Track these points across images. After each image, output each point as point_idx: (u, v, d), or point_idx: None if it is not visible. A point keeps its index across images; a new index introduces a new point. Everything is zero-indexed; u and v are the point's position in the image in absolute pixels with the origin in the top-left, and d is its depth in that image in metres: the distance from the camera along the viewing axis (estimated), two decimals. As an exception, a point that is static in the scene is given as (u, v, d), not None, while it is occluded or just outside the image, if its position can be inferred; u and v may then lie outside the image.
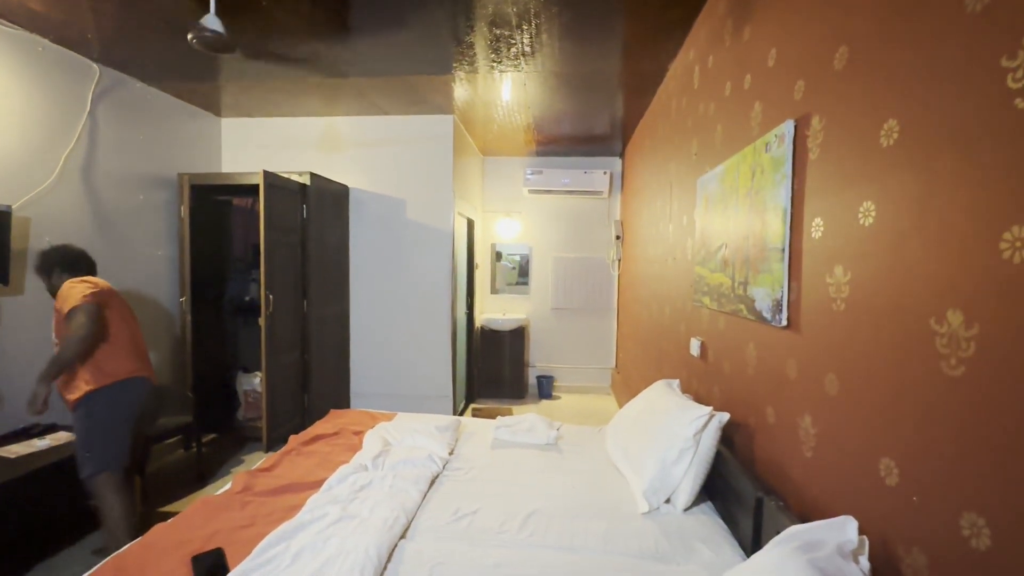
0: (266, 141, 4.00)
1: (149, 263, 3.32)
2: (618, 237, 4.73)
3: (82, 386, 2.02)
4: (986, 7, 0.77)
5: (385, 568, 1.34)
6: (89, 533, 2.34)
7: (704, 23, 2.26)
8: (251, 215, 3.77)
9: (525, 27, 2.43)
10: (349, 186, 3.98)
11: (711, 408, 1.68)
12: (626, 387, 4.16)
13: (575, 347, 5.23)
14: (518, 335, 4.86)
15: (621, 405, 4.01)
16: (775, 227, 1.43)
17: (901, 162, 0.95)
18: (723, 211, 1.88)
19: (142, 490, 2.61)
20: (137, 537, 1.50)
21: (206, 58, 2.80)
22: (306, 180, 3.42)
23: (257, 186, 3.10)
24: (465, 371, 4.71)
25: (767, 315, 1.47)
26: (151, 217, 3.34)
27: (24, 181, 2.52)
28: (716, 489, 1.72)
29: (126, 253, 3.09)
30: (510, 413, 4.27)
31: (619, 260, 4.80)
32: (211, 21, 2.06)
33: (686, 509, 1.67)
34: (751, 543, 1.40)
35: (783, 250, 1.38)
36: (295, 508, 1.61)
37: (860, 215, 1.06)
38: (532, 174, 4.86)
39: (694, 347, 2.22)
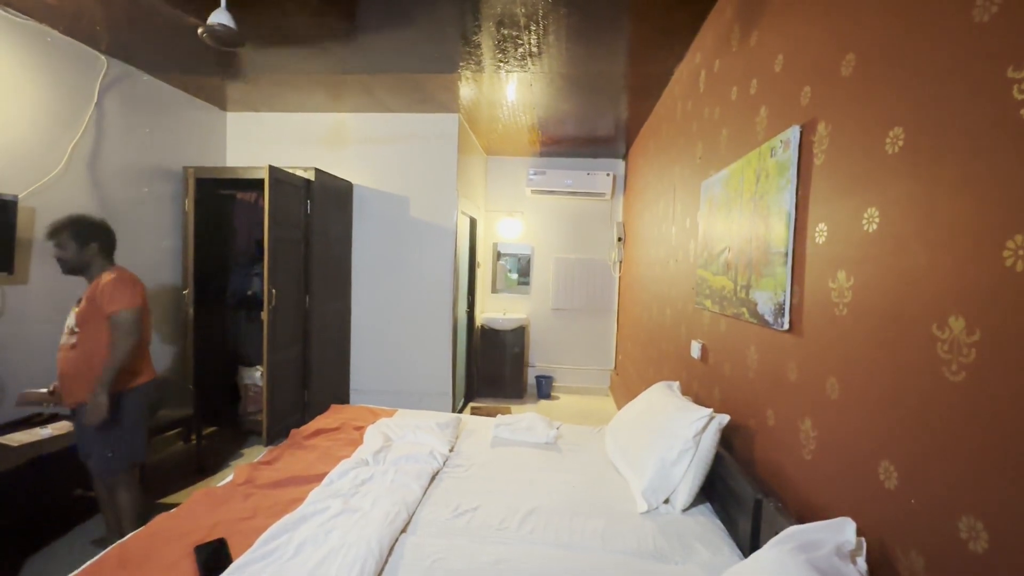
0: (271, 136, 4.01)
1: (153, 255, 3.33)
2: (620, 239, 4.74)
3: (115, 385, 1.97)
4: (993, 17, 0.78)
5: (386, 561, 1.35)
6: (86, 520, 2.36)
7: (711, 28, 2.27)
8: (255, 210, 3.78)
9: (533, 28, 2.44)
10: (353, 183, 3.99)
11: (711, 410, 1.69)
12: (625, 389, 4.17)
13: (575, 348, 5.25)
14: (518, 335, 4.87)
15: (620, 406, 4.03)
16: (779, 231, 1.44)
17: (906, 169, 0.96)
18: (727, 215, 1.89)
19: (141, 482, 2.62)
20: (139, 528, 1.51)
21: (214, 52, 2.81)
22: (311, 176, 3.43)
23: (262, 181, 3.11)
24: (465, 370, 4.73)
25: (769, 318, 1.48)
26: (156, 209, 3.35)
27: (31, 171, 2.53)
28: (715, 491, 1.73)
29: (130, 245, 3.08)
30: (509, 412, 4.28)
31: (620, 262, 4.82)
32: (221, 15, 2.07)
33: (684, 510, 1.68)
34: (749, 544, 1.41)
35: (786, 254, 1.39)
36: (297, 501, 1.62)
37: (864, 221, 1.07)
38: (535, 174, 4.88)
39: (695, 349, 2.23)
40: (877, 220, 1.04)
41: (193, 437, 3.18)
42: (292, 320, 3.34)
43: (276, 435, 3.11)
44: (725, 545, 1.49)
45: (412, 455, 1.99)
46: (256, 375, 3.64)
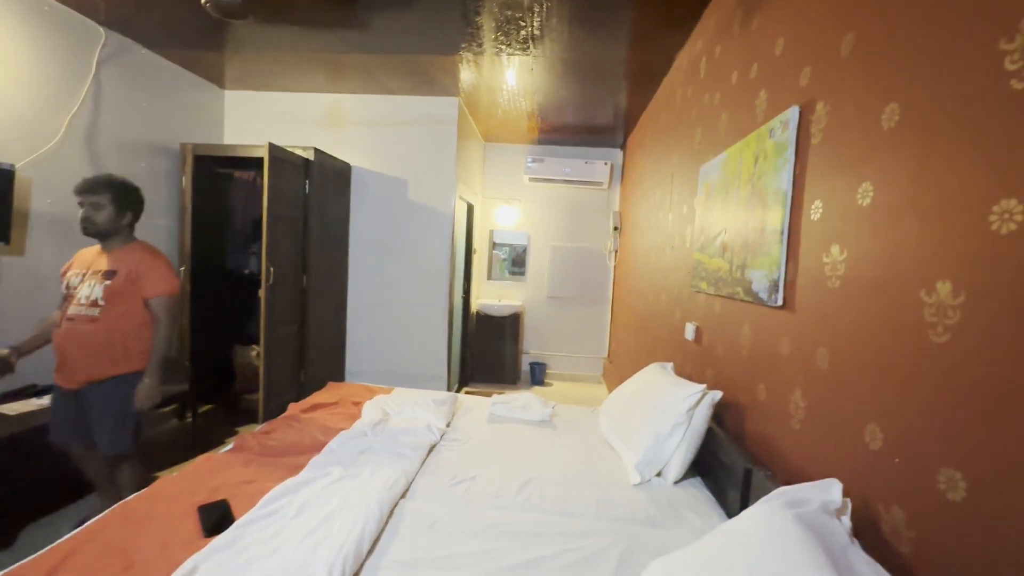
0: (269, 115, 3.99)
1: (148, 232, 3.30)
2: (616, 228, 4.77)
3: (133, 363, 1.94)
4: (988, -7, 0.81)
5: (386, 523, 1.38)
6: (86, 496, 2.37)
7: (713, 13, 2.29)
8: (253, 189, 3.77)
9: (536, 9, 2.45)
10: (352, 164, 3.98)
11: (705, 385, 1.74)
12: (618, 376, 4.22)
13: (569, 335, 5.30)
14: (513, 321, 4.91)
15: (611, 394, 4.08)
16: (775, 211, 1.48)
17: (901, 144, 0.99)
18: (724, 197, 1.93)
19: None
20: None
21: (213, 26, 2.79)
22: (310, 155, 3.42)
23: (260, 159, 3.10)
24: (460, 355, 4.75)
25: (763, 295, 1.52)
26: (152, 186, 3.32)
27: (28, 141, 2.50)
28: (706, 466, 1.78)
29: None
30: (503, 397, 4.32)
31: (616, 251, 4.86)
32: (225, -14, 2.06)
33: (676, 482, 1.73)
34: (738, 512, 1.46)
35: (782, 232, 1.43)
36: (297, 468, 1.65)
37: (859, 196, 1.11)
38: (533, 162, 4.89)
39: (689, 331, 2.28)
40: (871, 194, 1.07)
41: (188, 414, 3.19)
42: (289, 299, 3.34)
43: (272, 414, 3.11)
44: (715, 513, 1.54)
45: (410, 429, 2.03)
46: (252, 354, 3.65)
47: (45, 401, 2.32)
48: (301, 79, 3.68)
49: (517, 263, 5.32)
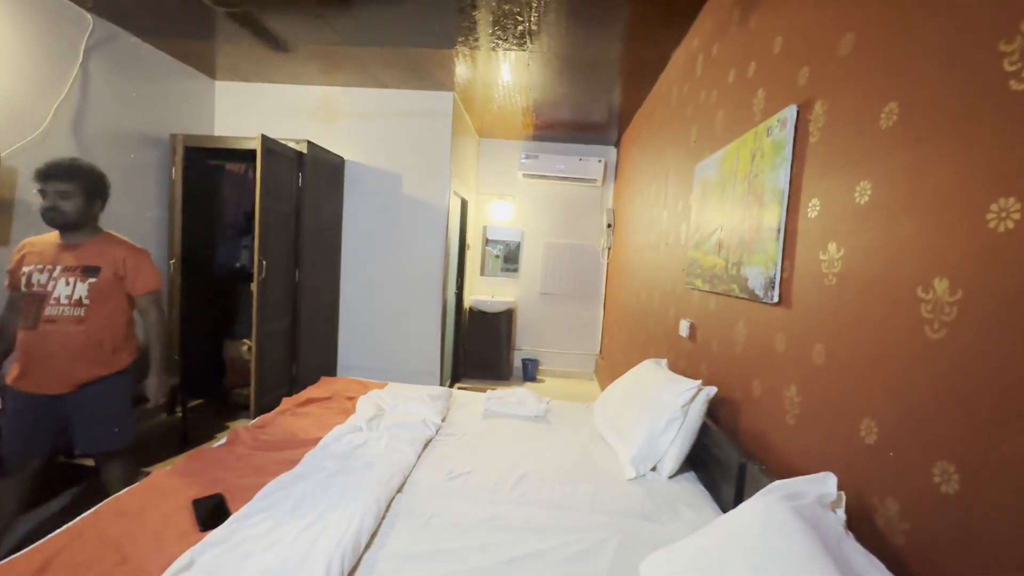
0: (261, 107, 3.94)
1: (137, 224, 3.26)
2: (609, 225, 4.79)
3: (123, 360, 1.93)
4: (988, -5, 0.83)
5: (383, 517, 1.38)
6: (80, 484, 2.33)
7: (710, 12, 2.30)
8: (244, 181, 3.72)
9: (534, 5, 2.44)
10: (345, 158, 3.95)
11: (700, 381, 1.75)
12: (610, 372, 4.24)
13: (561, 332, 5.31)
14: (506, 318, 4.91)
15: (604, 390, 4.10)
16: (772, 208, 1.49)
17: (899, 143, 1.01)
18: (720, 195, 1.94)
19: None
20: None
21: (203, 14, 2.74)
22: (303, 148, 3.38)
23: (252, 151, 3.06)
24: (452, 351, 4.75)
25: (759, 292, 1.54)
26: (141, 177, 3.27)
27: (13, 130, 2.44)
28: (700, 461, 1.80)
29: (115, 212, 3.00)
30: (495, 393, 4.32)
31: (609, 248, 4.87)
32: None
33: (671, 476, 1.74)
34: (732, 507, 1.48)
35: (779, 230, 1.44)
36: (292, 462, 1.64)
37: (856, 194, 1.12)
38: (527, 158, 4.88)
39: (683, 328, 2.30)
40: (869, 192, 1.09)
41: (178, 409, 3.15)
42: (281, 293, 3.31)
43: (263, 409, 3.09)
44: (709, 508, 1.55)
45: (405, 423, 2.02)
46: (243, 348, 3.61)
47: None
48: (294, 71, 3.63)
49: (510, 259, 5.32)
